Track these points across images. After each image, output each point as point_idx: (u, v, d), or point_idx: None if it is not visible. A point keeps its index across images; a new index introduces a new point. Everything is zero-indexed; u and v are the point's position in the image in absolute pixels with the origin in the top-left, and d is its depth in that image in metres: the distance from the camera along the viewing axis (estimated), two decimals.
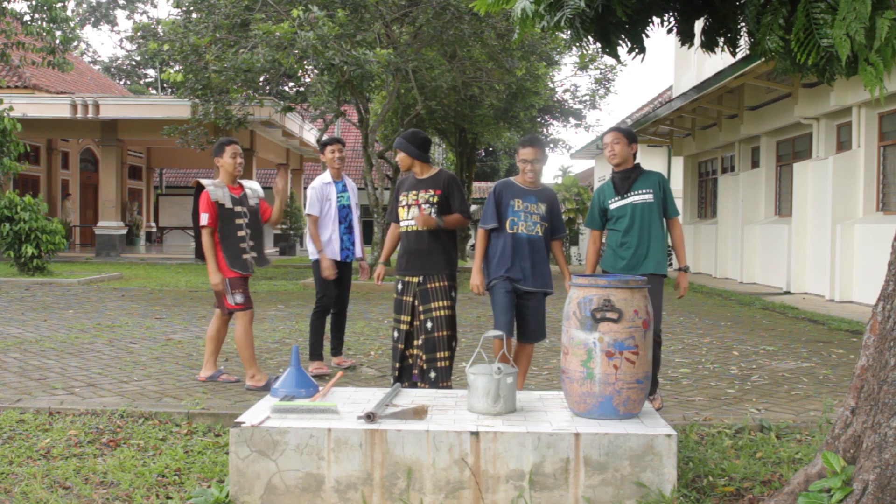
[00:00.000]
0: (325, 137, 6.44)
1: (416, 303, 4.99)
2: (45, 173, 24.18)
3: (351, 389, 4.18)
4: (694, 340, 8.26)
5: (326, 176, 6.34)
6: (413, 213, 5.00)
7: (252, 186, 5.92)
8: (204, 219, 5.47)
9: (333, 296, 6.32)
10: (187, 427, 4.58)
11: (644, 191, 4.90)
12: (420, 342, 4.95)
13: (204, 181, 5.65)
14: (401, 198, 5.13)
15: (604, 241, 5.23)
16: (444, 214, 5.01)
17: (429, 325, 4.93)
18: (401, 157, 5.09)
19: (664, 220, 5.01)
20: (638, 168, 5.00)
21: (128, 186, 26.42)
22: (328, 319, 6.41)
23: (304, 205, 6.36)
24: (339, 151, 6.33)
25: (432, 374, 4.90)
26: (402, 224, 5.09)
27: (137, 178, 28.56)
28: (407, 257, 5.05)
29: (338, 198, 6.29)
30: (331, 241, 6.21)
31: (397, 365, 5.02)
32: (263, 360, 6.72)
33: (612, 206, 4.95)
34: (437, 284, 4.97)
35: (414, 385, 5.00)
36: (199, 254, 5.73)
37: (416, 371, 5.02)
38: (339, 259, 6.24)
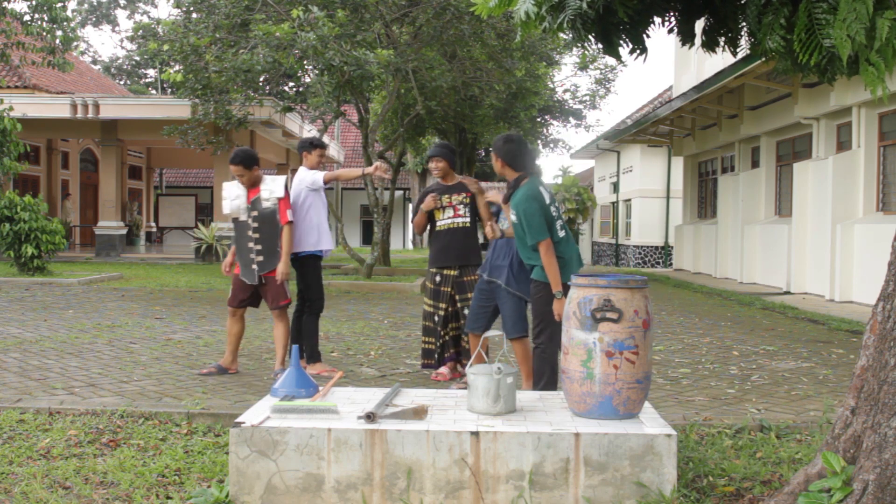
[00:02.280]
0: (308, 137, 6.40)
1: (453, 292, 5.89)
2: (45, 173, 24.17)
3: (351, 389, 4.18)
4: (694, 340, 8.26)
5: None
6: (448, 214, 5.89)
7: (272, 187, 5.82)
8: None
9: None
10: (187, 427, 4.58)
11: (513, 209, 4.67)
12: (459, 325, 5.92)
13: (227, 189, 5.86)
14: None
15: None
16: (474, 215, 5.91)
17: (466, 311, 5.78)
18: (442, 165, 5.88)
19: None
20: (515, 184, 4.71)
21: (128, 186, 26.42)
22: (294, 321, 6.31)
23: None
24: (324, 157, 6.39)
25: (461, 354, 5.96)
26: (438, 224, 5.92)
27: (137, 178, 28.55)
28: (445, 252, 5.88)
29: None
30: (328, 236, 6.27)
31: (436, 341, 5.96)
32: (263, 360, 6.72)
33: None
34: (471, 278, 5.84)
35: (452, 360, 5.98)
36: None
37: (452, 350, 5.98)
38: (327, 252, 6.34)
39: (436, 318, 5.92)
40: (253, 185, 5.80)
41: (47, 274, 14.35)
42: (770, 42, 3.04)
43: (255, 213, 5.78)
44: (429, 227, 6.07)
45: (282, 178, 5.90)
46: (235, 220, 5.84)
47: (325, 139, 20.48)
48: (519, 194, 4.60)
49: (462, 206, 5.88)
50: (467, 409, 3.69)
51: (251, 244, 5.77)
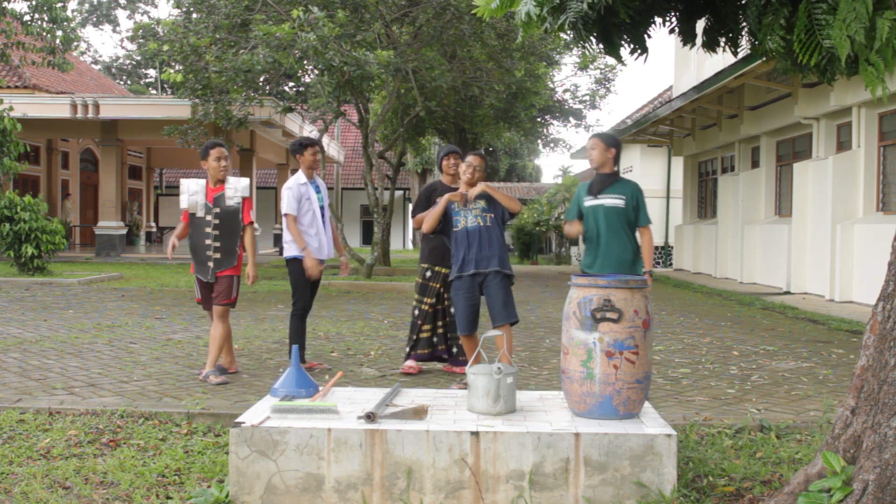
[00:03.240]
0: (299, 138, 6.40)
1: (442, 290, 6.02)
2: (45, 173, 24.18)
3: (351, 389, 4.19)
4: (694, 340, 8.26)
5: (301, 176, 6.25)
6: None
7: (236, 185, 5.88)
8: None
9: (308, 299, 6.28)
10: (187, 427, 4.58)
11: (616, 196, 5.03)
12: (447, 322, 6.06)
13: (186, 185, 5.84)
14: (438, 200, 5.77)
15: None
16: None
17: (453, 310, 5.81)
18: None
19: (635, 227, 5.13)
20: (616, 174, 5.15)
21: (128, 186, 26.43)
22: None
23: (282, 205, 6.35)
24: (318, 154, 6.29)
25: (454, 349, 6.10)
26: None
27: (137, 178, 28.56)
28: (441, 250, 5.93)
29: (317, 198, 6.27)
30: (319, 241, 6.18)
31: (414, 336, 6.08)
32: (263, 360, 6.72)
33: (586, 205, 5.13)
34: None
35: (430, 357, 6.13)
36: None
37: (441, 347, 6.12)
38: (324, 258, 6.23)
39: (416, 312, 6.04)
40: (219, 180, 5.84)
41: (47, 274, 14.35)
42: (770, 42, 3.04)
43: (216, 211, 5.78)
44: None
45: (246, 180, 5.95)
46: (193, 216, 5.84)
47: (325, 139, 20.48)
48: (633, 185, 5.11)
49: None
50: (467, 409, 3.69)
51: (208, 241, 5.78)
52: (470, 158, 5.41)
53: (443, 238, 5.83)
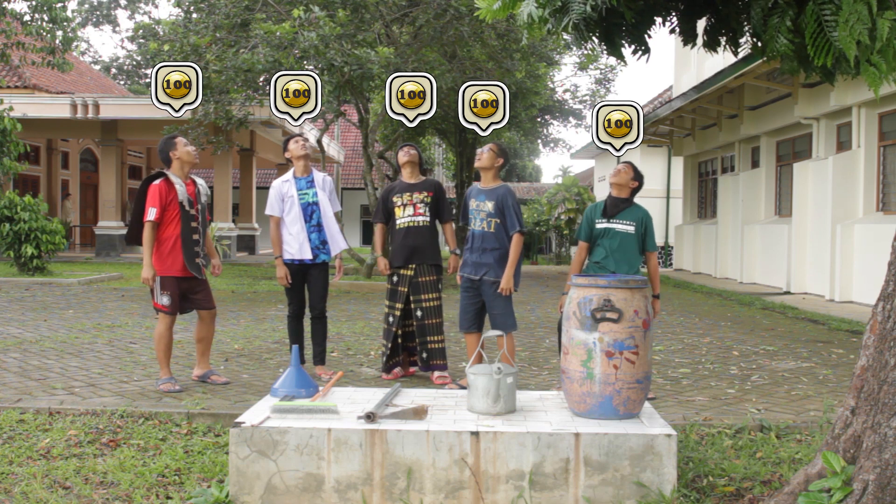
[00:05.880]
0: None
1: (408, 292, 5.76)
2: (45, 173, 24.17)
3: (351, 389, 4.19)
4: (694, 340, 8.26)
5: (288, 174, 6.03)
6: (408, 212, 5.76)
7: (202, 183, 5.77)
8: (152, 213, 5.40)
9: (299, 301, 6.06)
10: (187, 427, 4.58)
11: (627, 221, 5.27)
12: (413, 327, 5.82)
13: (170, 174, 5.54)
14: (394, 199, 5.83)
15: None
16: (434, 214, 5.82)
17: (419, 313, 5.76)
18: (414, 153, 5.84)
19: (642, 252, 5.36)
20: (630, 201, 5.36)
21: (128, 186, 26.42)
22: (308, 324, 6.15)
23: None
24: (301, 147, 5.96)
25: (424, 355, 5.79)
26: (398, 222, 5.78)
27: (137, 178, 28.53)
28: (401, 251, 5.74)
29: (301, 195, 5.90)
30: (299, 242, 5.89)
31: (389, 344, 5.88)
32: (263, 360, 6.71)
33: (597, 226, 5.35)
34: (427, 278, 5.75)
35: (405, 363, 6.01)
36: (130, 239, 5.77)
37: (410, 345, 5.94)
38: (310, 259, 5.92)
39: (391, 319, 5.84)
40: (187, 176, 5.63)
41: (47, 274, 14.35)
42: (777, 44, 3.03)
43: (198, 207, 5.61)
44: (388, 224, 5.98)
45: (201, 179, 5.82)
46: (182, 207, 5.50)
47: (325, 139, 20.47)
48: (643, 212, 5.33)
49: (422, 204, 5.75)
50: (467, 409, 3.69)
51: (196, 236, 5.57)
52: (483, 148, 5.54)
53: (405, 238, 5.70)
